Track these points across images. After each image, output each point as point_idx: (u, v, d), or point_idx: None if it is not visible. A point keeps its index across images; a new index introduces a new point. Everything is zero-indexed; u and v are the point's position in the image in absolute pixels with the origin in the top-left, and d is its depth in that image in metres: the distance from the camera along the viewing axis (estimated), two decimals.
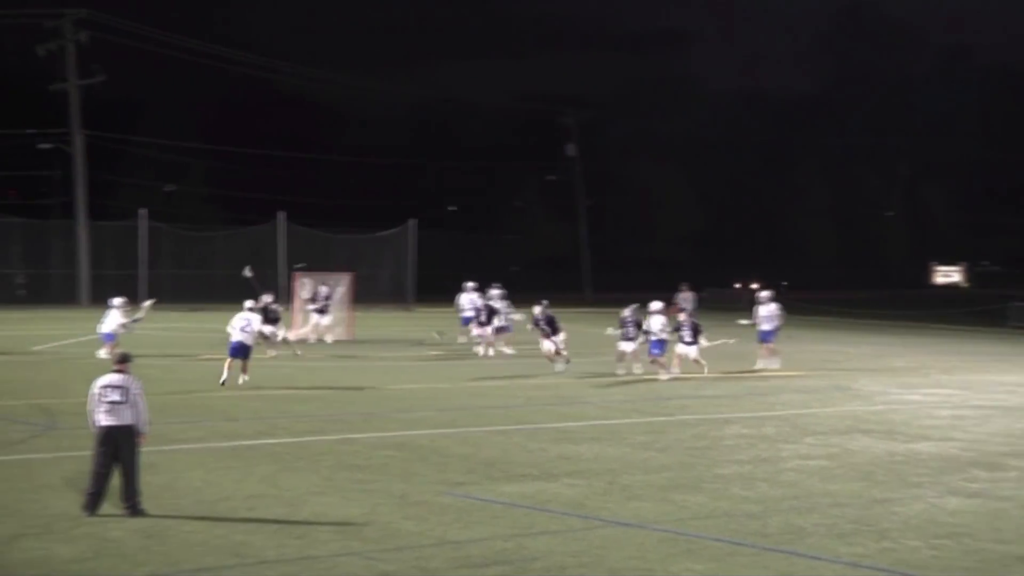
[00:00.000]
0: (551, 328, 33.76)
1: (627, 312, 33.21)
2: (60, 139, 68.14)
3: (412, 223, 72.50)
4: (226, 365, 28.83)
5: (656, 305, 32.67)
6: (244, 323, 29.13)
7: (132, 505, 14.93)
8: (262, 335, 34.41)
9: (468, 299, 40.73)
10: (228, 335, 29.23)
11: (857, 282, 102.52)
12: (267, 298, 36.31)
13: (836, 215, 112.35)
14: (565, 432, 22.60)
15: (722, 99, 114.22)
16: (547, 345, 33.64)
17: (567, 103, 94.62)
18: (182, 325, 48.32)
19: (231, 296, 35.96)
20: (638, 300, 34.80)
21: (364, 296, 53.36)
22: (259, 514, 15.25)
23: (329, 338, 41.61)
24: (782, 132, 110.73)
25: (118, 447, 14.96)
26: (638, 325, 32.65)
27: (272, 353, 35.65)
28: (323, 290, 42.31)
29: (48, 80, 68.02)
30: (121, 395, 15.03)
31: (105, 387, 15.11)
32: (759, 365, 35.38)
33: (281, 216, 69.96)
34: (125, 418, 15.01)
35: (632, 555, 13.62)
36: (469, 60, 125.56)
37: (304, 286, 42.89)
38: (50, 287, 66.49)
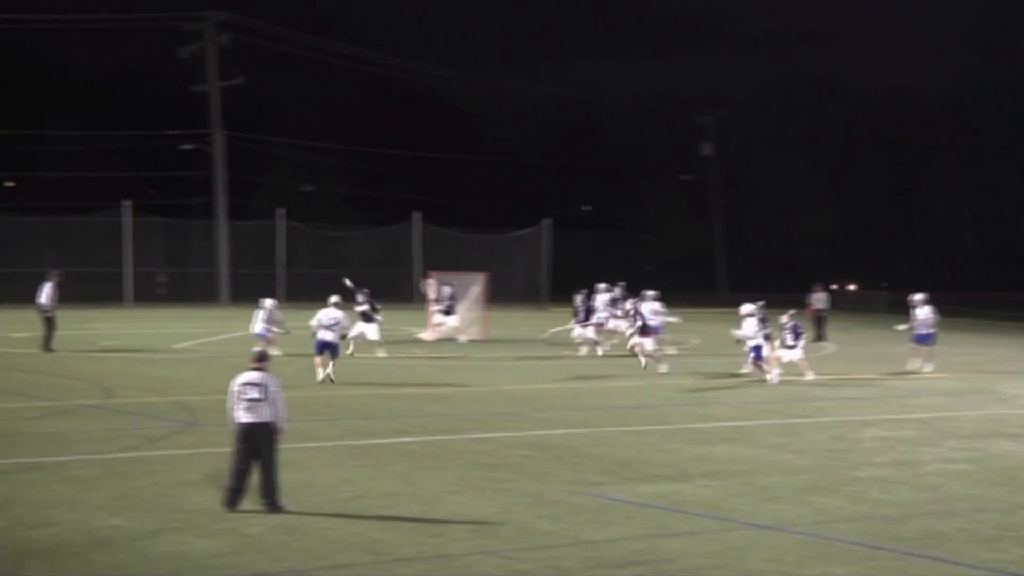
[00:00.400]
0: (643, 324, 33.36)
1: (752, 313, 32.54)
2: (201, 140, 69.23)
3: (547, 222, 72.50)
4: (317, 363, 28.94)
5: (747, 308, 31.66)
6: (332, 321, 29.04)
7: (271, 501, 15.11)
8: (364, 336, 34.58)
9: (600, 301, 40.58)
10: (314, 332, 29.02)
11: (1003, 283, 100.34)
12: (362, 302, 35.79)
13: (980, 215, 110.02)
14: (700, 433, 22.47)
15: (861, 98, 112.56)
16: (646, 344, 33.16)
17: (703, 102, 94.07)
18: None
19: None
20: (771, 300, 34.35)
21: (498, 296, 53.49)
22: (394, 512, 15.36)
23: (463, 338, 41.67)
24: (922, 131, 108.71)
25: (257, 444, 15.15)
26: (763, 322, 32.04)
27: (381, 354, 35.33)
28: (446, 290, 42.31)
29: (189, 82, 69.15)
30: (260, 392, 15.21)
31: (244, 385, 15.30)
32: (909, 367, 34.65)
33: (416, 216, 70.43)
34: (264, 415, 15.19)
35: (769, 557, 13.49)
36: (605, 59, 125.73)
37: (429, 287, 43.07)
38: (190, 286, 67.49)
